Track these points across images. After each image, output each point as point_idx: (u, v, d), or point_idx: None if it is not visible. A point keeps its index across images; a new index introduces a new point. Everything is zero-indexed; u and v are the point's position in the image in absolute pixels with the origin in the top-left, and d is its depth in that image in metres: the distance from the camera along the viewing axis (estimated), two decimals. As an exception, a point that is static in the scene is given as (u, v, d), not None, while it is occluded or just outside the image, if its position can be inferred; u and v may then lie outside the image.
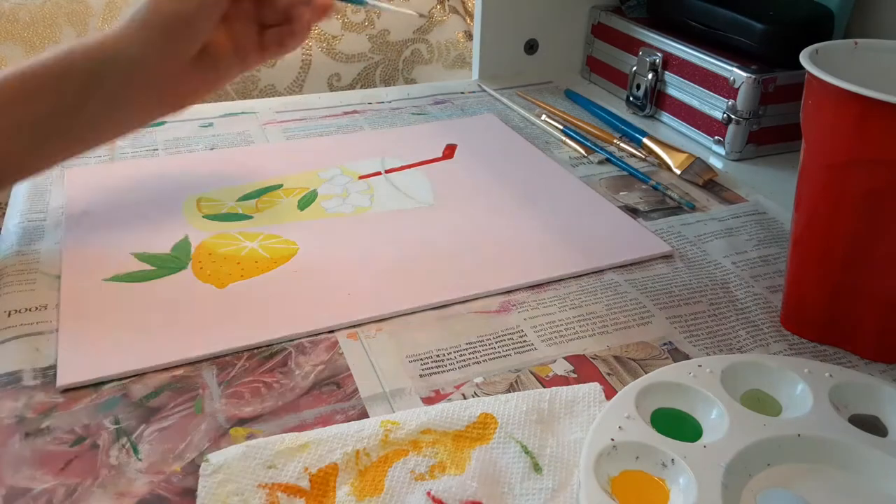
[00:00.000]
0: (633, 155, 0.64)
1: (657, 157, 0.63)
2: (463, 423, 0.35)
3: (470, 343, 0.42)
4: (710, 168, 0.60)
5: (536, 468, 0.33)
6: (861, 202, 0.37)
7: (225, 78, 0.48)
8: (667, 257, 0.50)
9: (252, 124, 0.70)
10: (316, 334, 0.42)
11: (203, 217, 0.53)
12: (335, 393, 0.38)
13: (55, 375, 0.38)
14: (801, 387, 0.36)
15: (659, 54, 0.70)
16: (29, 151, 0.44)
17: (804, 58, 0.38)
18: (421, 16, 0.51)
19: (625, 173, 0.62)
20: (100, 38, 0.44)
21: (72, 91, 0.43)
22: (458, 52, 0.97)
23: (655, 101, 0.72)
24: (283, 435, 0.34)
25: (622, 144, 0.65)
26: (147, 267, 0.47)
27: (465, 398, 0.38)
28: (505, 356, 0.41)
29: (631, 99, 0.74)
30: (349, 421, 0.36)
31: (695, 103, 0.67)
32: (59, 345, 0.40)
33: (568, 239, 0.51)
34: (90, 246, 0.49)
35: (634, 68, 0.73)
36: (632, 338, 0.42)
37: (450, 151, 0.64)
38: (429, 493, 0.32)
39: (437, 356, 0.41)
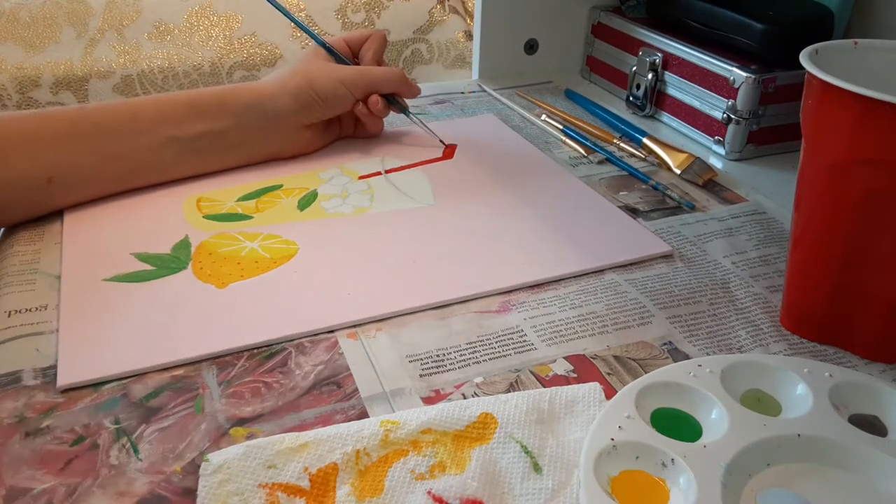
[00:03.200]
0: (633, 155, 0.64)
1: (657, 156, 0.63)
2: (463, 423, 0.35)
3: (470, 343, 0.42)
4: (709, 168, 0.60)
5: (536, 468, 0.33)
6: (861, 202, 0.37)
7: (322, 144, 0.64)
8: (667, 257, 0.50)
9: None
10: (316, 334, 0.42)
11: (203, 217, 0.53)
12: (335, 393, 0.38)
13: (55, 375, 0.38)
14: (801, 387, 0.36)
15: (659, 54, 0.70)
16: (177, 160, 0.56)
17: (804, 58, 0.38)
18: (441, 142, 0.65)
19: (625, 173, 0.62)
20: (255, 87, 0.58)
21: (227, 115, 0.56)
22: (458, 52, 0.97)
23: (655, 101, 0.72)
24: (283, 435, 0.34)
25: (622, 144, 0.65)
26: (147, 267, 0.47)
27: (465, 398, 0.38)
28: (505, 356, 0.41)
29: (631, 99, 0.74)
30: (349, 421, 0.36)
31: (695, 103, 0.67)
32: (59, 345, 0.40)
33: (568, 239, 0.51)
34: (90, 246, 0.49)
35: (634, 68, 0.73)
36: (632, 338, 0.42)
37: (450, 151, 0.64)
38: (429, 492, 0.32)
39: (437, 356, 0.41)
